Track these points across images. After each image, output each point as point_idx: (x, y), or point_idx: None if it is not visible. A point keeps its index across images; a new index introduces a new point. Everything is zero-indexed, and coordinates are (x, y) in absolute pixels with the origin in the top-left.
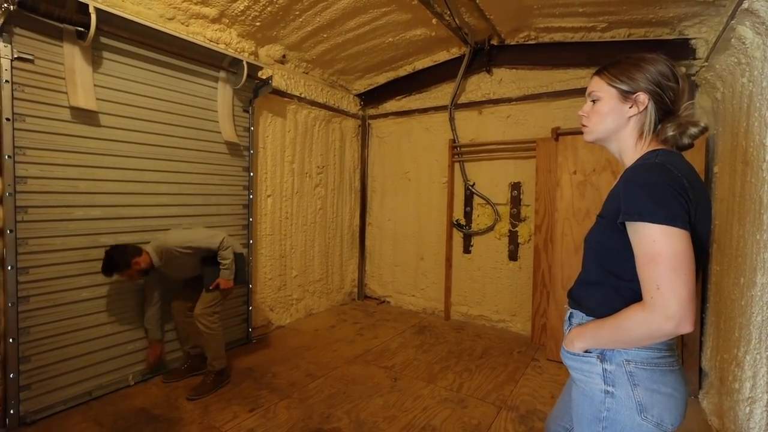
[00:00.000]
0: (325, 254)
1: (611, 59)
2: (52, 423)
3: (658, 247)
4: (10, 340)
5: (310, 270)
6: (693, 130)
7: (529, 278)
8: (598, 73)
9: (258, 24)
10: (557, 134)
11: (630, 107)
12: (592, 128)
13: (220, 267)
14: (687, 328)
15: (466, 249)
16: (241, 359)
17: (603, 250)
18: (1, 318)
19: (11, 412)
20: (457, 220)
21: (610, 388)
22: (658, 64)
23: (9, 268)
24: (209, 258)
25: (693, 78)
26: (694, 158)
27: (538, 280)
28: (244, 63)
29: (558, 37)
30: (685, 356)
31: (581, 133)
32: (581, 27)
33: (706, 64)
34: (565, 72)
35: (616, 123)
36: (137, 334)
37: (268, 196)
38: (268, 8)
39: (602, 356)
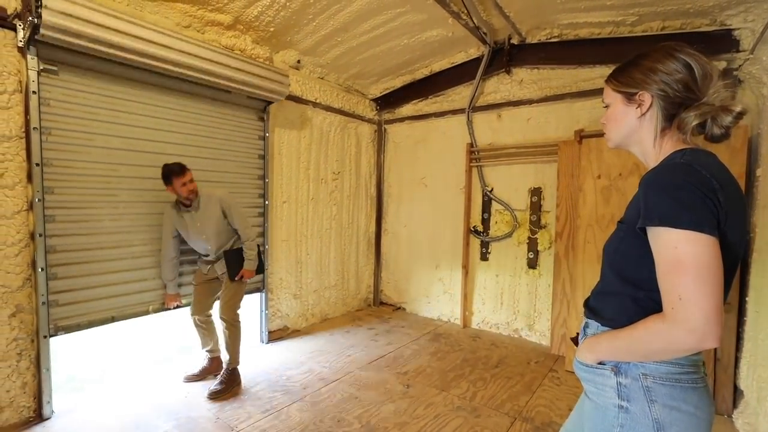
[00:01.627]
0: (341, 260)
1: (620, 64)
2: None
3: (681, 255)
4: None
5: (325, 276)
6: (726, 119)
7: (548, 287)
8: (606, 81)
9: (272, 29)
10: (581, 137)
11: (636, 108)
12: (609, 135)
13: (245, 258)
14: (711, 343)
15: (484, 256)
16: (257, 362)
17: (622, 257)
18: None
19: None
20: (474, 227)
21: (624, 403)
22: (658, 55)
23: (40, 270)
24: (231, 251)
25: (735, 73)
26: (735, 160)
27: (558, 289)
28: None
29: (584, 33)
30: (718, 373)
31: None
32: (609, 21)
33: (751, 56)
34: (591, 70)
35: (628, 127)
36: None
37: (284, 202)
38: (282, 13)
39: (617, 369)
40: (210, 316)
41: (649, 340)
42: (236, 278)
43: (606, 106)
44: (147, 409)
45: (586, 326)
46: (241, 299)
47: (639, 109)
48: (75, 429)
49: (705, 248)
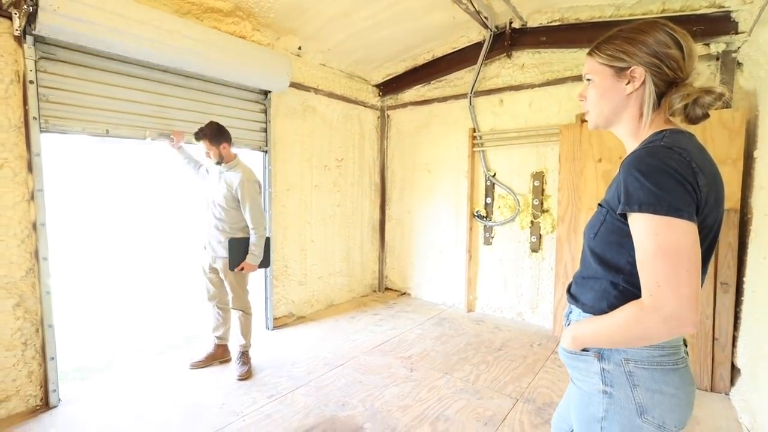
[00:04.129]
0: (346, 246)
1: (605, 35)
2: None
3: (661, 241)
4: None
5: (330, 262)
6: (707, 99)
7: (551, 270)
8: (590, 53)
9: (272, 15)
10: (582, 120)
11: (627, 84)
12: (592, 113)
13: (249, 251)
14: (687, 329)
15: (487, 241)
16: (262, 349)
17: (601, 242)
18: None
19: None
20: (477, 212)
21: (608, 389)
22: (654, 31)
23: (42, 260)
24: (236, 239)
25: (734, 55)
26: (733, 142)
27: (560, 272)
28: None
29: (584, 16)
30: (716, 352)
31: None
32: (610, 4)
33: (749, 38)
34: None
35: (613, 103)
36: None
37: (287, 189)
38: None
39: (600, 355)
40: (228, 304)
41: (627, 327)
42: (235, 269)
43: (588, 80)
44: (154, 397)
45: (569, 312)
46: (244, 288)
47: (630, 84)
48: (82, 417)
49: (684, 234)
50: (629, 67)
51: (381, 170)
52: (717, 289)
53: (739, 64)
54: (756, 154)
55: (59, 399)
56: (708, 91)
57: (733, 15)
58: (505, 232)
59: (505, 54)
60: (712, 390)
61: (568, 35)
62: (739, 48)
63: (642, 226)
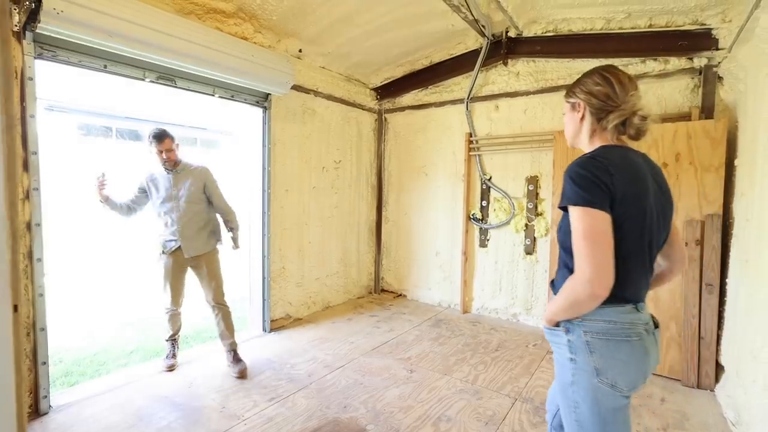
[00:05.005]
0: (343, 248)
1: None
2: None
3: (581, 225)
4: None
5: (327, 264)
6: (635, 119)
7: (545, 272)
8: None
9: (275, 18)
10: None
11: (576, 113)
12: (566, 136)
13: (235, 235)
14: (601, 290)
15: (483, 243)
16: (260, 351)
17: (562, 234)
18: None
19: None
20: (473, 214)
21: (573, 356)
22: (591, 75)
23: (36, 260)
24: (214, 230)
25: (715, 69)
26: (715, 151)
27: (554, 275)
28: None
29: (577, 28)
30: (702, 350)
31: None
32: (600, 18)
33: (728, 54)
34: (584, 63)
35: (572, 128)
36: None
37: (286, 190)
38: (285, 2)
39: (567, 329)
40: (180, 306)
41: (567, 295)
42: (234, 248)
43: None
44: (149, 401)
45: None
46: (222, 279)
47: (578, 113)
48: (76, 423)
49: (597, 220)
50: (577, 102)
51: (378, 173)
52: (702, 290)
53: (720, 78)
54: (737, 162)
55: (50, 406)
56: (635, 114)
57: (714, 32)
58: (500, 235)
59: (501, 62)
60: (698, 387)
61: (561, 45)
62: (720, 63)
63: (571, 215)
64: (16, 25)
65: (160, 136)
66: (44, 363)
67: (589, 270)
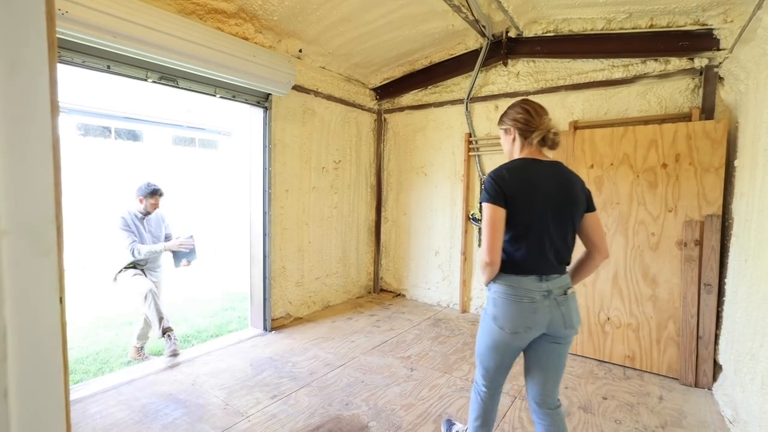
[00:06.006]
0: (342, 248)
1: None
2: None
3: (485, 216)
4: None
5: (327, 263)
6: (550, 135)
7: None
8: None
9: (275, 18)
10: (575, 128)
11: (509, 135)
12: (505, 153)
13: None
14: (489, 259)
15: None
16: (262, 349)
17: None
18: None
19: None
20: (472, 214)
21: (487, 307)
22: (515, 106)
23: None
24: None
25: (716, 70)
26: (715, 152)
27: None
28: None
29: (577, 28)
30: (700, 349)
31: (600, 126)
32: (601, 18)
33: (730, 55)
34: (584, 63)
35: (509, 146)
36: None
37: (286, 190)
38: (286, 2)
39: (489, 288)
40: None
41: (478, 262)
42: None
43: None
44: (154, 398)
45: None
46: None
47: (511, 136)
48: (83, 419)
49: (493, 213)
50: (508, 127)
51: (377, 173)
52: (701, 290)
53: (721, 78)
54: (737, 163)
55: None
56: (549, 131)
57: (715, 33)
58: None
59: (501, 62)
60: (696, 385)
61: (562, 46)
62: (720, 63)
63: (482, 208)
64: None
65: (160, 193)
66: None
67: (484, 245)
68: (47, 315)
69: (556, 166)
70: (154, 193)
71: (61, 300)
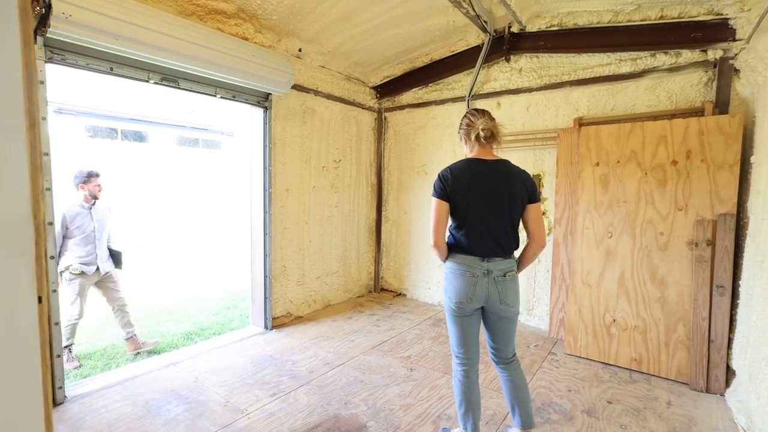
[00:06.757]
0: (343, 247)
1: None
2: None
3: (432, 207)
4: None
5: (327, 262)
6: (482, 132)
7: (547, 272)
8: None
9: (275, 17)
10: (580, 124)
11: (462, 141)
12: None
13: (118, 253)
14: (434, 242)
15: None
16: (262, 348)
17: None
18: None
19: None
20: None
21: (444, 281)
22: (464, 117)
23: (50, 258)
24: (112, 250)
25: (731, 62)
26: (730, 148)
27: (557, 274)
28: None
29: (583, 22)
30: (712, 353)
31: (606, 122)
32: (608, 10)
33: (747, 45)
34: (590, 58)
35: (464, 149)
36: None
37: (286, 190)
38: (285, 1)
39: (445, 266)
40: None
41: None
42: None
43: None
44: (157, 394)
45: None
46: None
47: (463, 141)
48: (89, 413)
49: (436, 205)
50: (460, 134)
51: (378, 172)
52: (713, 291)
53: (737, 70)
54: (753, 159)
55: (65, 396)
56: (479, 128)
57: (731, 22)
58: None
59: (503, 58)
60: (707, 391)
61: (566, 40)
62: (736, 55)
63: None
64: None
65: (97, 175)
66: (58, 356)
67: (431, 232)
68: (23, 315)
69: (499, 164)
70: (90, 175)
71: (41, 299)
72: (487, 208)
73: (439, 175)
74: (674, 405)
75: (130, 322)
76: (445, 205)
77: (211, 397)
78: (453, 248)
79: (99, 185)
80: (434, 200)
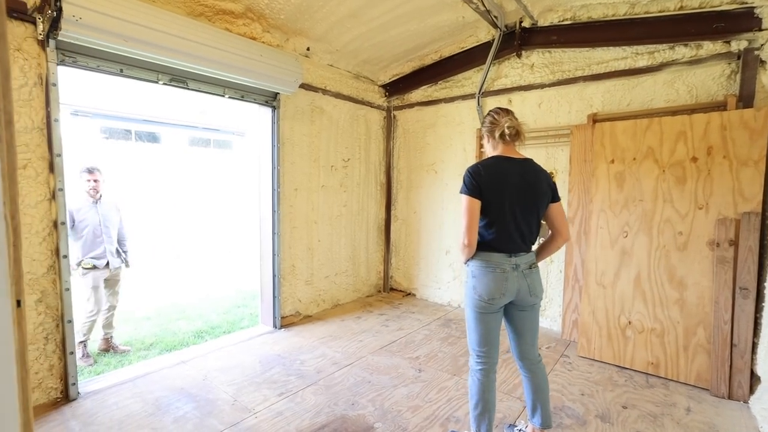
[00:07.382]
0: (352, 247)
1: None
2: None
3: (463, 205)
4: None
5: (336, 262)
6: (506, 130)
7: (560, 272)
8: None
9: (282, 17)
10: (594, 121)
11: (484, 140)
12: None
13: (126, 251)
14: (467, 241)
15: None
16: (271, 347)
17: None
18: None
19: None
20: None
21: (467, 279)
22: (487, 115)
23: (63, 257)
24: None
25: (757, 52)
26: (755, 143)
27: (569, 275)
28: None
29: (597, 15)
30: (734, 358)
31: (621, 118)
32: (624, 2)
33: None
34: (605, 52)
35: (486, 147)
36: None
37: (295, 189)
38: (292, 0)
39: (468, 264)
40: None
41: (459, 243)
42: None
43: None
44: (167, 392)
45: None
46: None
47: (486, 138)
48: (101, 410)
49: (469, 203)
50: (483, 133)
51: (387, 170)
52: (736, 294)
53: (763, 62)
54: None
55: (78, 392)
56: (504, 126)
57: (757, 11)
58: None
59: (514, 54)
60: (729, 397)
61: (580, 34)
62: (762, 45)
63: (461, 199)
64: (40, 34)
65: (98, 170)
66: (72, 353)
67: (462, 230)
68: None
69: (526, 162)
70: (83, 171)
71: (19, 303)
72: (518, 206)
73: (469, 170)
74: (694, 411)
75: (112, 324)
76: (478, 203)
77: (220, 395)
78: (480, 246)
79: (90, 181)
80: (465, 198)
